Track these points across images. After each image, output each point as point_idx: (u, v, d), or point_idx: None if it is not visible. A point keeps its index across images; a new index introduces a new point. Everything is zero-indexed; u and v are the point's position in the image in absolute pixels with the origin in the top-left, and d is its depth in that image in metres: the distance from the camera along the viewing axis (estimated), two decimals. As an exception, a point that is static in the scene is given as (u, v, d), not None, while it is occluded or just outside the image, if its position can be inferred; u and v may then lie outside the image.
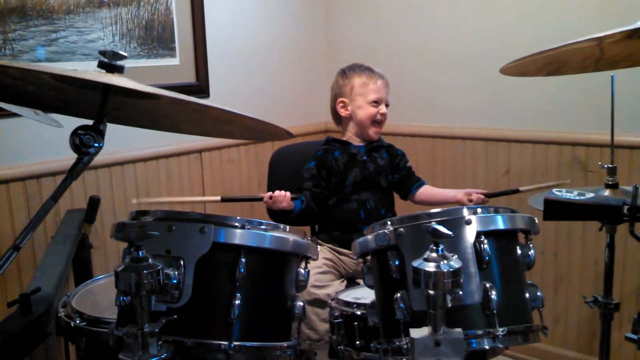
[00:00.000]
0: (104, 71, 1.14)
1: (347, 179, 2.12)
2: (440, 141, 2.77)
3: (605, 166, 1.70)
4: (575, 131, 2.36)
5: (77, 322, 1.44)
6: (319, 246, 1.97)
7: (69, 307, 1.51)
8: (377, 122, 2.15)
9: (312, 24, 3.10)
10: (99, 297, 1.63)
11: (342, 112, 2.19)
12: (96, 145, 1.13)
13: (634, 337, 1.23)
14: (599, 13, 2.21)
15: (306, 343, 1.82)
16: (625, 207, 1.30)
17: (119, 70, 1.15)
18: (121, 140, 2.24)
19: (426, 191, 2.20)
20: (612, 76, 1.66)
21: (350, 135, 2.21)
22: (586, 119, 2.33)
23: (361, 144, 2.19)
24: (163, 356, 1.06)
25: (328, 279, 1.94)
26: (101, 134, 1.14)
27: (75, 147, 1.13)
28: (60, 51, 2.20)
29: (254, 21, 2.83)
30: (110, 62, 1.14)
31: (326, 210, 2.14)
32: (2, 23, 2.05)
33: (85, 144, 1.13)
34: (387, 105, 2.17)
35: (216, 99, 2.65)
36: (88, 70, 1.10)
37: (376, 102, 2.13)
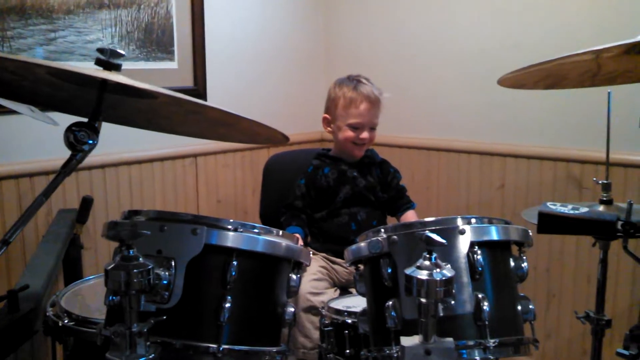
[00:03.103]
0: (101, 68, 1.14)
1: (338, 195, 2.11)
2: (436, 154, 2.77)
3: (600, 182, 1.70)
4: (571, 147, 2.37)
5: (65, 321, 1.42)
6: (312, 255, 1.96)
7: (57, 307, 1.49)
8: (357, 144, 2.11)
9: (311, 34, 3.11)
10: (88, 297, 1.62)
11: (325, 128, 2.18)
12: (90, 142, 1.13)
13: (625, 352, 1.22)
14: (599, 29, 2.22)
15: (300, 352, 1.80)
16: (619, 223, 1.31)
17: (117, 68, 1.14)
18: (116, 142, 2.24)
19: (406, 217, 2.16)
20: (609, 92, 1.66)
21: (338, 151, 2.20)
22: (582, 135, 2.34)
23: (352, 160, 2.16)
24: (150, 357, 1.05)
25: (323, 286, 1.93)
26: (96, 132, 1.14)
27: (69, 143, 1.13)
28: (59, 51, 2.19)
29: (253, 28, 2.84)
30: (108, 60, 1.14)
31: (317, 223, 2.14)
32: (1, 21, 2.04)
33: (79, 140, 1.12)
34: (373, 128, 2.11)
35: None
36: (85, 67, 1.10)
37: (356, 127, 2.08)
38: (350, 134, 2.09)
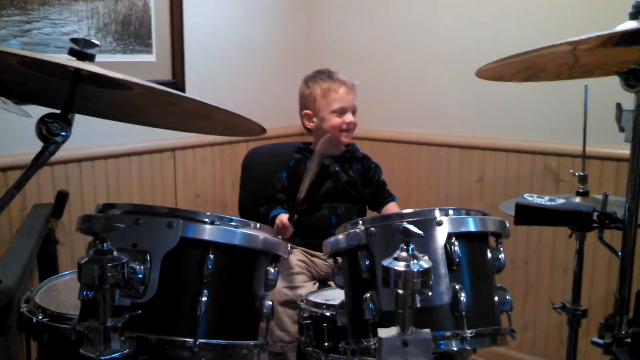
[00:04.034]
0: (74, 59, 1.12)
1: (320, 189, 2.10)
2: (416, 147, 2.77)
3: (577, 174, 1.71)
4: (548, 141, 2.39)
5: (40, 318, 1.40)
6: (291, 248, 1.95)
7: (31, 303, 1.47)
8: (345, 130, 2.11)
9: (291, 28, 3.09)
10: (63, 293, 1.60)
11: (308, 124, 2.16)
12: (63, 134, 1.11)
13: (600, 341, 1.23)
14: (580, 24, 2.23)
15: (278, 345, 1.80)
16: (595, 214, 1.32)
17: (90, 58, 1.12)
18: (92, 136, 2.20)
19: (388, 209, 2.18)
20: (585, 86, 1.67)
21: None
22: (559, 129, 2.36)
23: (334, 154, 2.16)
24: (125, 352, 1.04)
25: (301, 280, 1.93)
26: (68, 123, 1.12)
27: (41, 135, 1.11)
28: (34, 42, 2.15)
29: (233, 21, 2.81)
30: (81, 50, 1.12)
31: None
32: (-27, 12, 2.00)
33: (52, 132, 1.10)
34: (354, 112, 2.12)
35: (192, 98, 2.62)
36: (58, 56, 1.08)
37: (340, 112, 2.09)
38: (336, 120, 2.09)
